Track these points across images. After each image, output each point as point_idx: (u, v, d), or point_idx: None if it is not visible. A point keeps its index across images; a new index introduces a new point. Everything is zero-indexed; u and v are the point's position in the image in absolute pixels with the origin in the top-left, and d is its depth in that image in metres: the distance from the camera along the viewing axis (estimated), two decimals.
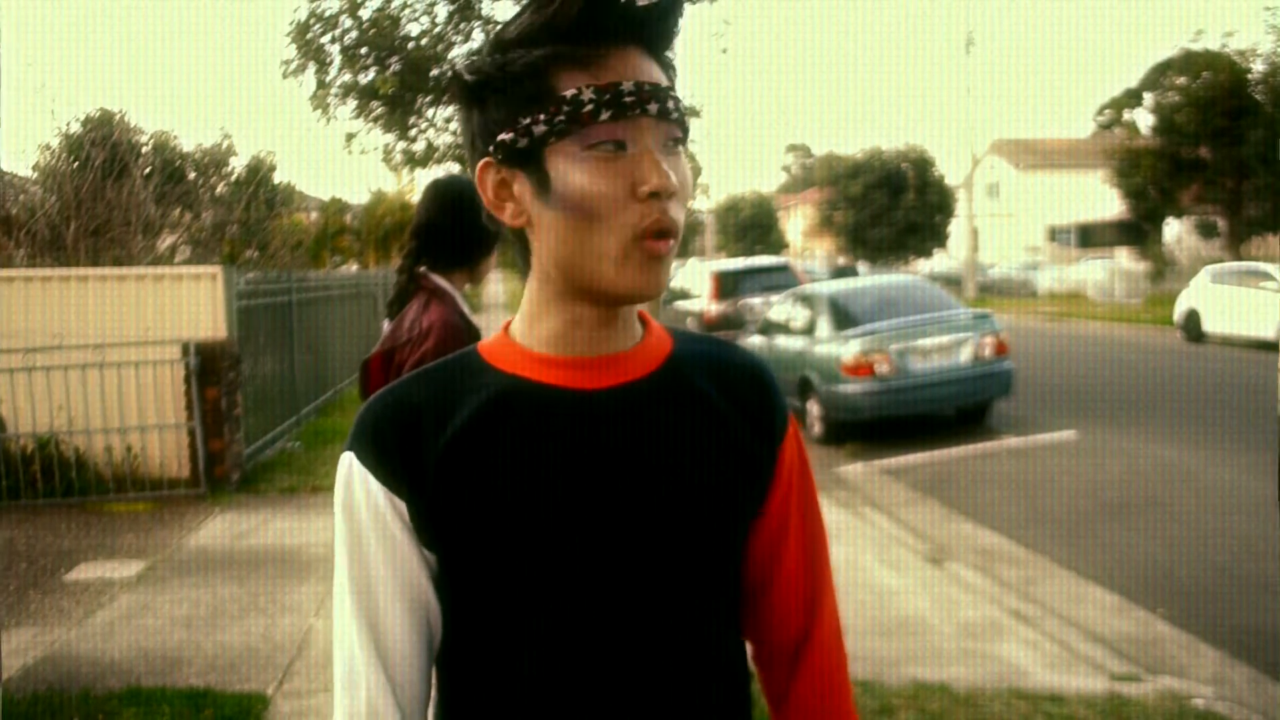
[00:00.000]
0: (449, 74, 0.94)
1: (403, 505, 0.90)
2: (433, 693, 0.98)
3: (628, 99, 0.84)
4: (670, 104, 0.87)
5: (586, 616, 0.91)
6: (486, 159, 0.91)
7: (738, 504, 0.97)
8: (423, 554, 0.92)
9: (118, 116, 12.55)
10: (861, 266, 32.80)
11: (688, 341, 1.01)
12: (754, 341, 10.72)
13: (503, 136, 0.88)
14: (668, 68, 0.91)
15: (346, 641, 0.92)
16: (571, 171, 0.85)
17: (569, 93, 0.84)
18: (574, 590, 0.91)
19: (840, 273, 16.43)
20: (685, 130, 0.90)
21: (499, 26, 0.90)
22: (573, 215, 0.86)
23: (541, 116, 0.85)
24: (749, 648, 1.07)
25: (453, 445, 0.90)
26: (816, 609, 1.05)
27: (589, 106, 0.84)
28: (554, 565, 0.90)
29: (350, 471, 0.92)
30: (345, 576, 0.92)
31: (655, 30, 0.88)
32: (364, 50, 8.93)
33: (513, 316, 0.99)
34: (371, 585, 0.91)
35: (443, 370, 0.96)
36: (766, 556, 1.03)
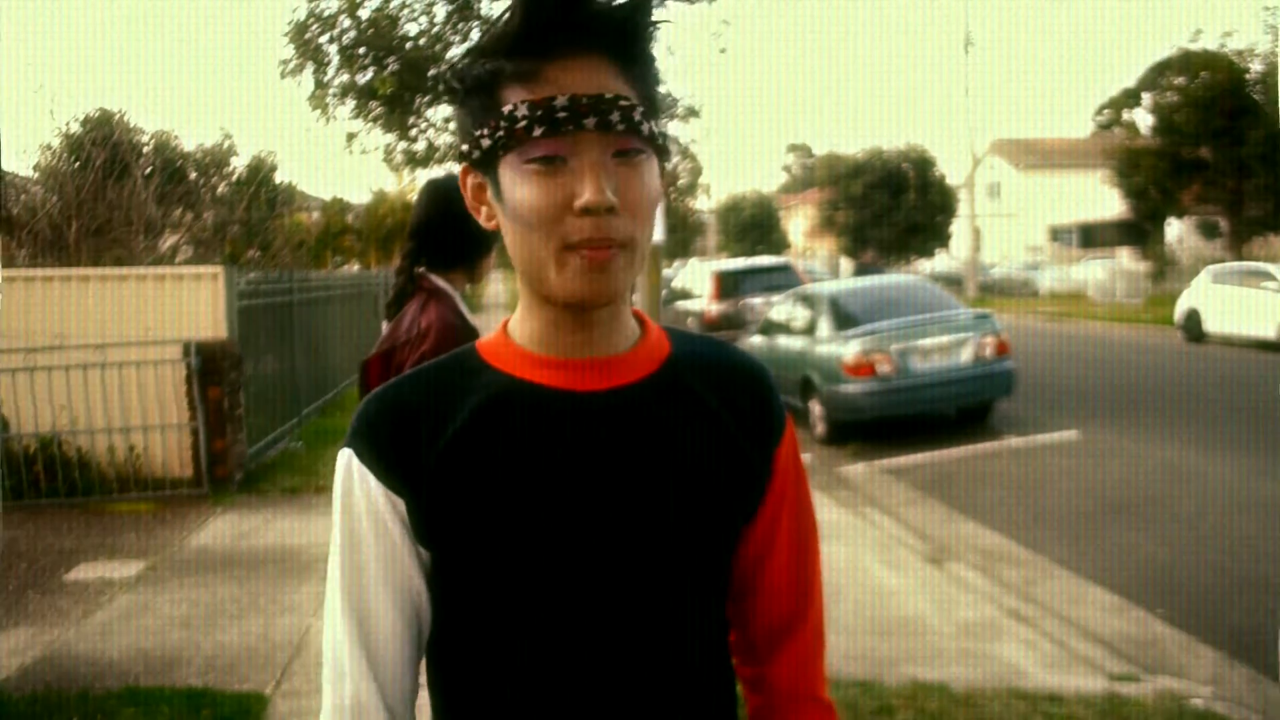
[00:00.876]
0: (444, 81, 0.95)
1: (400, 503, 0.91)
2: (424, 691, 0.99)
3: (560, 114, 0.84)
4: (615, 116, 0.84)
5: (580, 616, 0.92)
6: (466, 164, 0.94)
7: (732, 508, 0.98)
8: (417, 551, 0.93)
9: (118, 116, 12.55)
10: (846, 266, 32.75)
11: (686, 343, 1.02)
12: (755, 341, 10.73)
13: (462, 146, 0.92)
14: (640, 74, 0.89)
15: (335, 635, 0.93)
16: (514, 184, 0.87)
17: (507, 109, 0.85)
18: (568, 590, 0.92)
19: (863, 270, 15.67)
20: (652, 139, 0.88)
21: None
22: (518, 224, 0.88)
23: (486, 130, 0.87)
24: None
25: (451, 444, 0.91)
26: (802, 609, 1.07)
27: (523, 123, 0.84)
28: (548, 565, 0.91)
29: (349, 468, 0.93)
30: (338, 571, 0.93)
31: (610, 39, 0.87)
32: (362, 50, 8.93)
33: (511, 315, 1.00)
34: (363, 581, 0.92)
35: (441, 369, 0.97)
36: (755, 559, 1.04)
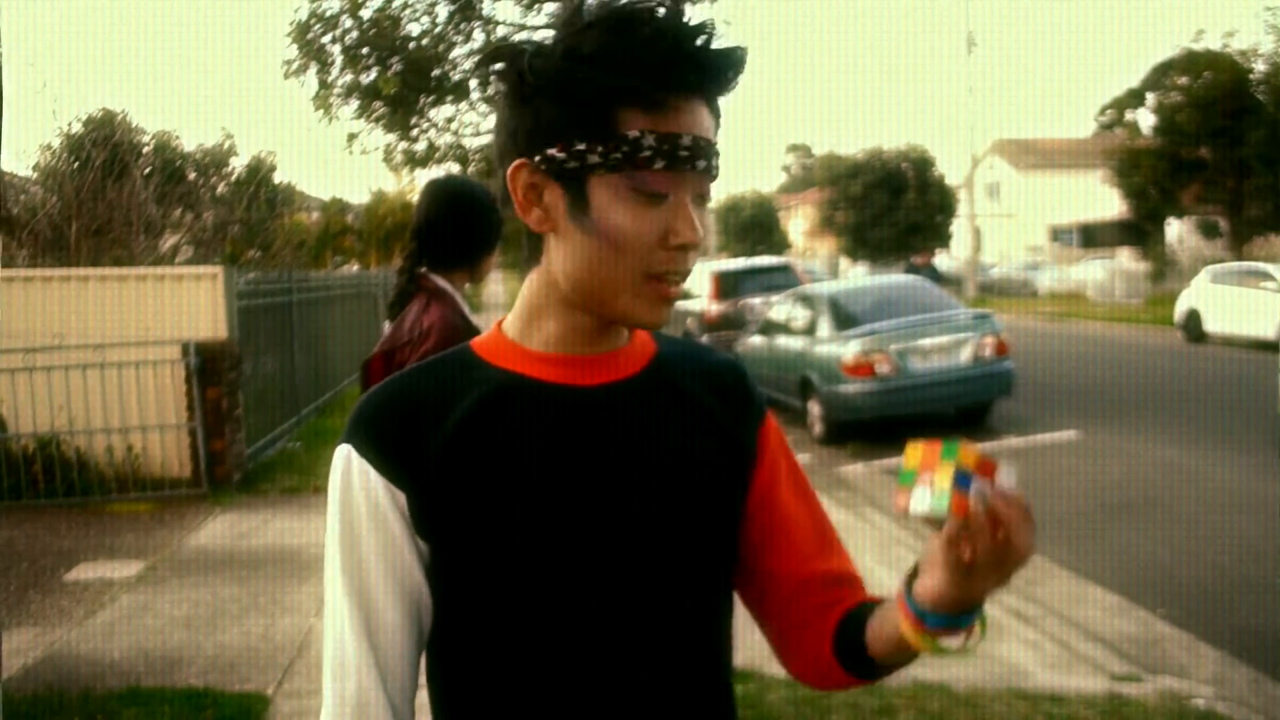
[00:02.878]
0: (508, 64, 0.93)
1: (402, 497, 0.92)
2: (422, 690, 0.99)
3: (683, 153, 0.87)
4: (715, 161, 0.91)
5: (582, 608, 0.93)
6: (523, 160, 0.91)
7: (726, 487, 1.01)
8: (417, 545, 0.93)
9: (119, 117, 12.55)
10: (860, 267, 32.73)
11: (669, 343, 1.07)
12: (754, 342, 10.73)
13: (552, 151, 0.89)
14: (717, 117, 0.94)
15: (338, 630, 0.93)
16: (613, 206, 0.88)
17: (631, 133, 0.86)
18: (572, 583, 0.92)
19: (914, 272, 14.09)
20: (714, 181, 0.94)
21: (571, 31, 0.88)
22: (603, 245, 0.89)
23: (600, 148, 0.87)
24: (767, 589, 1.05)
25: (453, 437, 0.92)
26: (834, 546, 1.07)
27: (647, 153, 0.86)
28: (552, 557, 0.92)
29: (349, 463, 0.93)
30: (338, 567, 0.93)
31: (721, 84, 0.91)
32: (365, 50, 8.94)
33: (505, 315, 1.01)
34: (364, 575, 0.92)
35: (439, 365, 0.98)
36: (761, 507, 1.04)
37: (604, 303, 0.92)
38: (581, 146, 0.87)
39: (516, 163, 0.92)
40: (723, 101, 0.93)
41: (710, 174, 0.91)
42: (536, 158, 0.90)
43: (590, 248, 0.89)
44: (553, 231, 0.92)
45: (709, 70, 0.88)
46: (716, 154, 0.91)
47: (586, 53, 0.86)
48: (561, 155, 0.88)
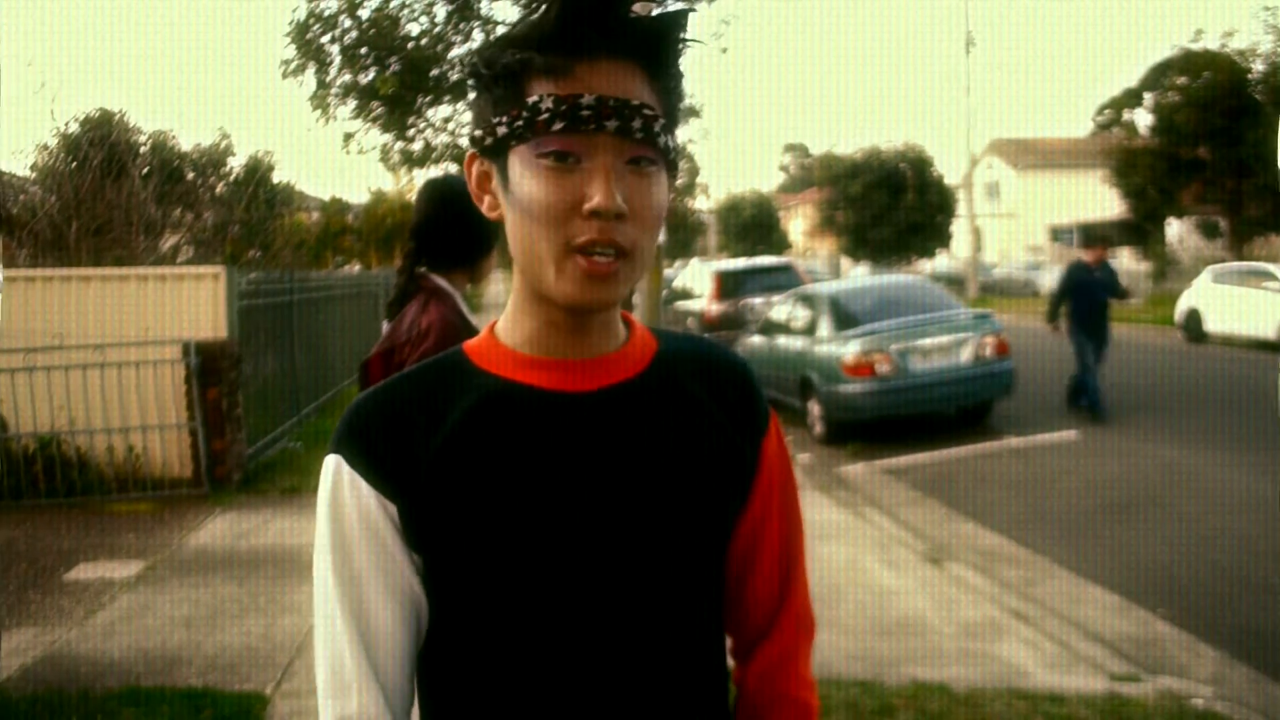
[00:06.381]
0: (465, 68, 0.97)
1: (393, 508, 0.90)
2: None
3: (584, 112, 0.84)
4: (636, 123, 0.85)
5: (578, 618, 0.92)
6: (473, 152, 0.94)
7: (725, 500, 0.99)
8: (410, 556, 0.92)
9: (116, 116, 12.55)
10: (861, 267, 32.72)
11: (672, 341, 1.02)
12: (754, 341, 10.74)
13: (475, 132, 0.92)
14: (668, 86, 0.90)
15: (334, 646, 0.91)
16: (525, 176, 0.87)
17: (531, 99, 0.86)
18: (565, 591, 0.91)
19: (1082, 272, 9.94)
20: (665, 152, 0.89)
21: (507, 28, 0.91)
22: (523, 218, 0.88)
23: (504, 119, 0.87)
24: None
25: (444, 447, 0.90)
26: (785, 600, 1.07)
27: (544, 115, 0.85)
28: (547, 568, 0.90)
29: (338, 474, 0.91)
30: (332, 580, 0.91)
31: (644, 47, 0.88)
32: (363, 50, 8.93)
33: (498, 318, 1.00)
34: (360, 589, 0.90)
35: (429, 371, 0.96)
36: (745, 549, 1.04)
37: (538, 279, 0.88)
38: (495, 121, 0.88)
39: (468, 155, 0.95)
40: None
41: (633, 137, 0.85)
42: (472, 144, 0.93)
43: (517, 224, 0.89)
44: (502, 219, 0.92)
45: (615, 31, 0.85)
46: (644, 117, 0.85)
47: (507, 38, 0.89)
48: (480, 134, 0.91)
